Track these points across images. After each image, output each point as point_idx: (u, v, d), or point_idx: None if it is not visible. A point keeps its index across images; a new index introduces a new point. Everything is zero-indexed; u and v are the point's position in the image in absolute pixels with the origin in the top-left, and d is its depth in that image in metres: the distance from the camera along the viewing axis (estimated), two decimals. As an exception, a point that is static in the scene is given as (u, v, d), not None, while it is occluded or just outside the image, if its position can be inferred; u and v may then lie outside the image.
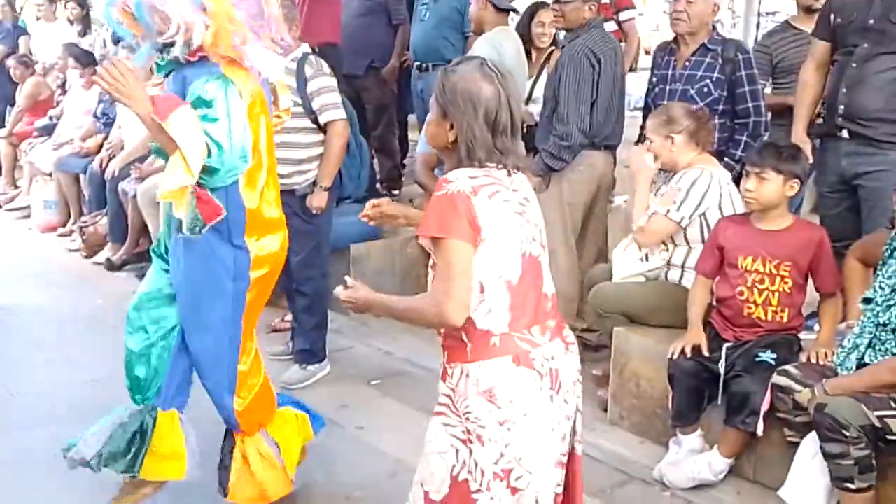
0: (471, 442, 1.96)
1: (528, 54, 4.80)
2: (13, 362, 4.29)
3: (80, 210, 6.61)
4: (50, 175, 6.80)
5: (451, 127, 1.97)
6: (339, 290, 2.08)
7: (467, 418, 1.95)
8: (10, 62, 8.02)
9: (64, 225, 6.76)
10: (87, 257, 6.16)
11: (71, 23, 8.60)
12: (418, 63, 5.62)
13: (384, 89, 6.05)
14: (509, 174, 1.99)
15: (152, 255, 2.99)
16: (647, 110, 4.23)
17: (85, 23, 8.54)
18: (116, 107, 6.20)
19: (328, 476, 3.28)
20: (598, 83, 4.04)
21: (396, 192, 5.97)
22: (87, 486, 3.04)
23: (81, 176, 6.41)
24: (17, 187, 7.75)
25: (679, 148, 3.49)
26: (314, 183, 4.04)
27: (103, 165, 6.03)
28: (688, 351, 3.16)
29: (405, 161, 6.37)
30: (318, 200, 4.04)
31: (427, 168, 5.04)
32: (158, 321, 2.87)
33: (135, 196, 5.63)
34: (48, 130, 7.15)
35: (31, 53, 8.47)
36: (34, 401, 3.88)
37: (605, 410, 3.72)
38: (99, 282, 5.65)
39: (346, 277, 2.13)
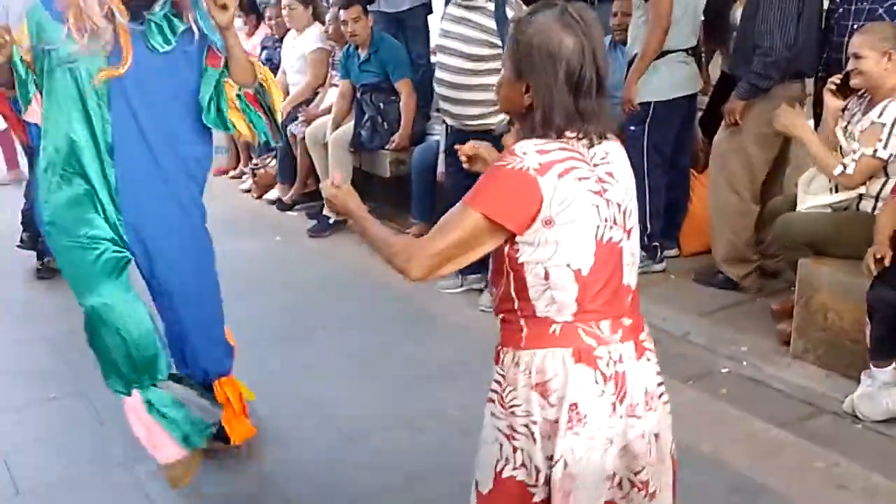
0: (514, 438, 1.76)
1: None
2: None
3: (249, 154, 6.96)
4: (219, 121, 7.14)
5: (527, 89, 1.72)
6: (325, 185, 1.91)
7: (513, 412, 1.75)
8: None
9: (234, 168, 7.14)
10: (257, 198, 6.51)
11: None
12: None
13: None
14: (591, 144, 1.72)
15: (97, 245, 2.64)
16: (828, 31, 4.05)
17: (239, -29, 8.85)
18: (280, 52, 6.45)
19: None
20: None
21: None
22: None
23: (250, 120, 6.72)
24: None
25: (894, 67, 3.32)
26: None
27: (271, 109, 6.29)
28: (871, 263, 3.04)
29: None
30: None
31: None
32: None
33: (303, 138, 5.88)
34: (214, 78, 7.50)
35: (192, 4, 8.85)
36: (236, 328, 4.17)
37: (786, 344, 3.67)
38: (274, 220, 5.98)
39: (337, 174, 1.99)
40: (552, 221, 1.67)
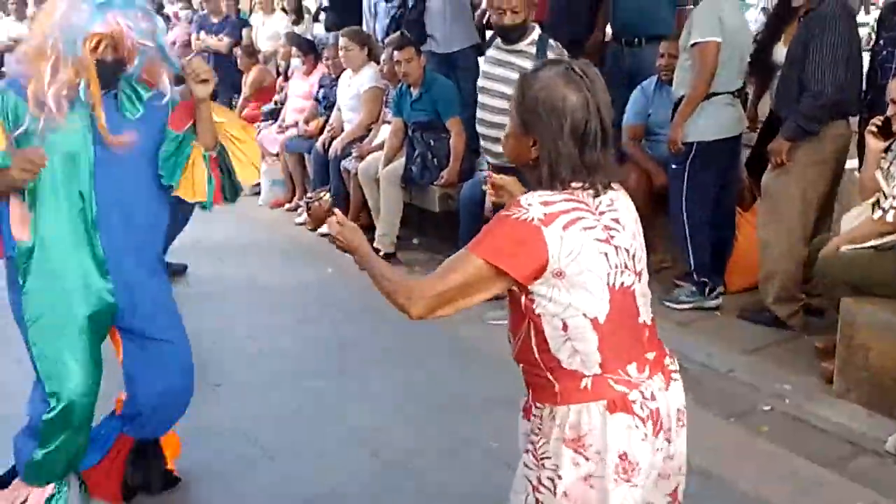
0: (538, 491, 1.80)
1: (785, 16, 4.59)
2: (260, 326, 4.78)
3: (305, 187, 7.16)
4: (277, 156, 7.38)
5: (534, 143, 1.77)
6: (331, 221, 1.95)
7: (543, 465, 1.80)
8: (237, 52, 8.72)
9: (290, 201, 7.35)
10: (312, 230, 6.67)
11: (286, 13, 9.22)
12: (627, 38, 5.48)
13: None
14: (597, 194, 1.77)
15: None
16: (872, 73, 4.08)
17: (298, 13, 9.13)
18: (336, 90, 6.66)
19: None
20: (851, 39, 3.90)
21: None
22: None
23: (306, 156, 6.92)
24: (245, 167, 8.45)
25: None
26: None
27: (326, 146, 6.51)
28: None
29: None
30: None
31: (633, 139, 5.07)
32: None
33: (356, 173, 6.06)
34: (273, 115, 7.71)
35: (253, 43, 9.17)
36: (285, 358, 4.32)
37: (829, 382, 3.67)
38: (326, 252, 6.08)
39: (337, 210, 2.00)
40: (563, 273, 1.71)
